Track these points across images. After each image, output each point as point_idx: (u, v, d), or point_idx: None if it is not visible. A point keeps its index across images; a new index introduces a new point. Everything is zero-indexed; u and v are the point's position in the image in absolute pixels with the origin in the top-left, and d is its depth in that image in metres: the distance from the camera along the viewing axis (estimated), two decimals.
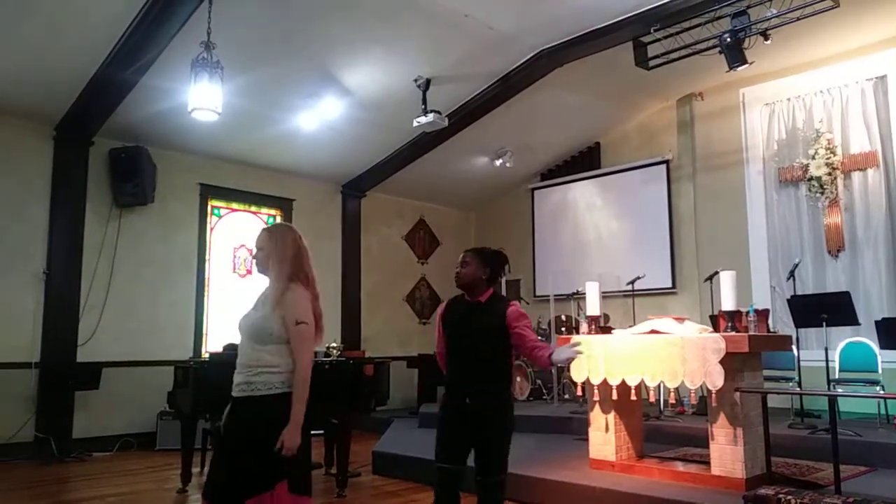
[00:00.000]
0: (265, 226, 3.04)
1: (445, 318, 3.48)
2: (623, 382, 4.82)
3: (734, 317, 4.63)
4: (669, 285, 8.80)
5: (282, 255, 2.85)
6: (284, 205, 9.18)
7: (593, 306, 5.31)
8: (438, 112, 7.26)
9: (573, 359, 3.17)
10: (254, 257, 2.98)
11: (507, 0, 6.21)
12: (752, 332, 4.55)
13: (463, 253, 3.46)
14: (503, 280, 8.28)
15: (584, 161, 10.00)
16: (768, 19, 5.83)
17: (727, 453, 4.44)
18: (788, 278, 6.45)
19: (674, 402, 5.25)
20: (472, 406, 3.27)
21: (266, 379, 2.75)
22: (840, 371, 6.49)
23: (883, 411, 6.10)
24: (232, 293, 8.60)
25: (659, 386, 5.33)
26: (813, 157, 7.67)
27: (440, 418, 3.40)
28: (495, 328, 3.28)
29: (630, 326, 5.56)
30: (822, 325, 5.85)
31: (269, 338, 2.78)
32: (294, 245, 2.88)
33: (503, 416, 3.31)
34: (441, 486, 3.35)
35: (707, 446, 4.62)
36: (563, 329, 8.34)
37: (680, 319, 4.94)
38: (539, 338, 3.42)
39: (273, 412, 2.71)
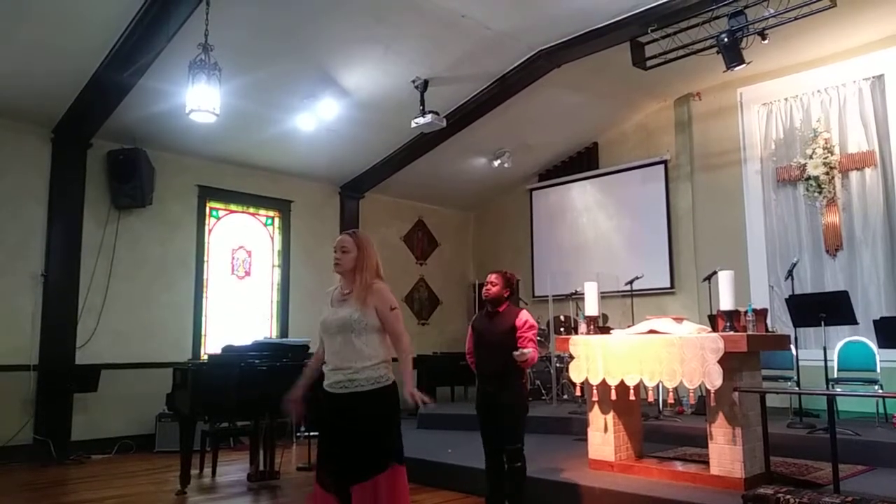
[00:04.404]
0: (350, 230, 3.48)
1: (475, 324, 4.48)
2: (622, 382, 4.83)
3: (732, 316, 4.63)
4: (668, 285, 8.80)
5: (370, 260, 3.23)
6: (283, 206, 9.18)
7: (592, 306, 5.31)
8: (436, 113, 7.26)
9: (525, 356, 4.04)
10: (337, 258, 3.24)
11: (505, 0, 6.21)
12: (750, 332, 4.55)
13: (489, 274, 4.39)
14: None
15: (582, 161, 10.01)
16: (766, 19, 5.84)
17: (726, 453, 4.45)
18: (786, 278, 6.45)
19: (672, 402, 5.27)
20: (492, 394, 4.21)
21: (368, 375, 3.08)
22: (838, 370, 6.50)
23: (881, 410, 6.11)
24: (230, 295, 8.60)
25: (658, 386, 5.33)
26: (810, 157, 7.68)
27: (476, 408, 4.35)
28: (508, 330, 4.20)
29: (628, 326, 5.56)
30: (820, 325, 5.85)
31: (364, 328, 3.10)
32: (376, 253, 3.29)
33: (513, 397, 4.18)
34: (487, 460, 4.30)
35: (706, 446, 4.63)
36: (562, 329, 8.34)
37: (678, 319, 4.95)
38: (531, 342, 4.17)
39: (379, 406, 3.08)
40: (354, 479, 2.99)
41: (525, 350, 4.05)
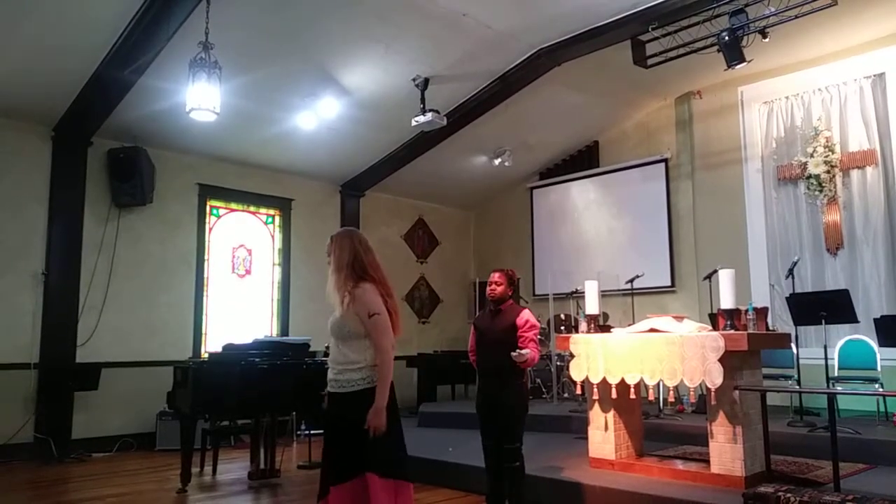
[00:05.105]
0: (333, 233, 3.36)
1: (476, 323, 4.50)
2: (622, 381, 4.83)
3: (733, 315, 4.63)
4: (668, 284, 8.80)
5: (339, 260, 3.11)
6: (283, 205, 9.18)
7: (592, 305, 5.31)
8: (437, 111, 7.26)
9: (524, 357, 4.00)
10: (328, 263, 3.21)
11: None
12: (751, 331, 4.54)
13: (493, 273, 4.39)
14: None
15: (582, 160, 10.00)
16: (766, 17, 5.83)
17: (726, 451, 4.45)
18: (787, 276, 6.45)
19: (673, 400, 5.27)
20: (493, 393, 4.20)
21: (349, 377, 3.03)
22: (839, 369, 6.49)
23: (882, 409, 6.12)
24: (231, 293, 8.61)
25: (658, 384, 5.33)
26: (811, 155, 7.67)
27: (476, 407, 4.33)
28: (509, 328, 4.20)
29: (629, 325, 5.56)
30: (821, 323, 5.85)
31: (347, 334, 3.04)
32: (351, 249, 3.12)
33: (513, 397, 4.18)
34: (486, 457, 4.29)
35: (706, 444, 4.63)
36: (563, 328, 8.34)
37: (679, 318, 4.95)
38: (532, 342, 4.16)
39: (356, 408, 2.97)
40: (332, 480, 2.98)
41: (523, 351, 4.01)
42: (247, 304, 8.75)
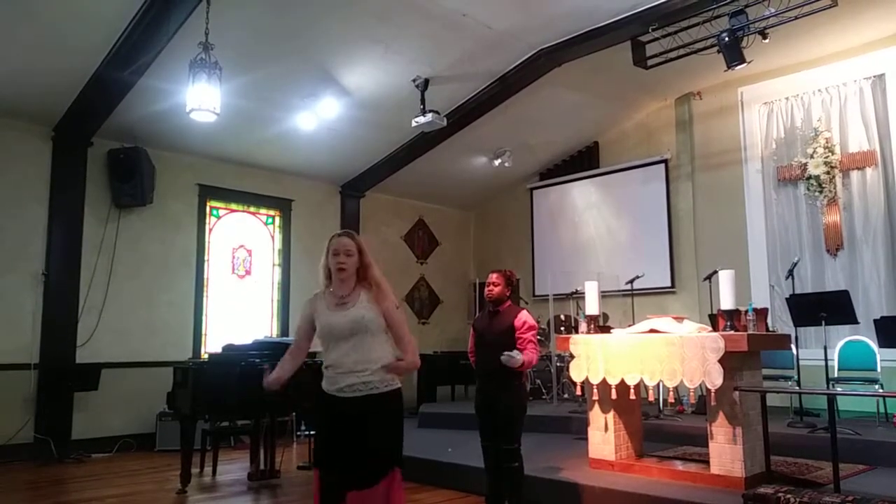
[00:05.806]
0: (344, 231, 3.35)
1: (475, 324, 4.53)
2: (622, 382, 4.83)
3: (733, 316, 4.63)
4: (668, 284, 8.80)
5: (369, 259, 3.20)
6: (283, 205, 9.18)
7: (592, 306, 5.31)
8: (437, 112, 7.26)
9: (517, 361, 4.05)
10: (341, 262, 3.14)
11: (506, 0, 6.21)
12: (750, 331, 4.55)
13: (491, 274, 4.42)
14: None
15: (582, 160, 10.00)
16: (766, 18, 5.83)
17: (726, 452, 4.45)
18: (787, 277, 6.45)
19: (673, 401, 5.28)
20: (491, 394, 4.22)
21: (381, 376, 3.05)
22: (839, 370, 6.50)
23: (882, 410, 6.11)
24: (231, 294, 8.61)
25: (658, 385, 5.33)
26: (811, 156, 7.68)
27: (475, 407, 4.36)
28: (507, 330, 4.22)
29: (629, 326, 5.56)
30: (820, 324, 5.85)
31: (377, 328, 3.09)
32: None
33: (511, 398, 4.19)
34: (485, 458, 4.32)
35: (706, 445, 4.63)
36: (563, 328, 8.34)
37: (679, 319, 4.95)
38: (530, 343, 4.19)
39: (393, 407, 3.07)
40: (360, 484, 2.95)
41: (512, 353, 4.02)
42: (247, 305, 8.75)
